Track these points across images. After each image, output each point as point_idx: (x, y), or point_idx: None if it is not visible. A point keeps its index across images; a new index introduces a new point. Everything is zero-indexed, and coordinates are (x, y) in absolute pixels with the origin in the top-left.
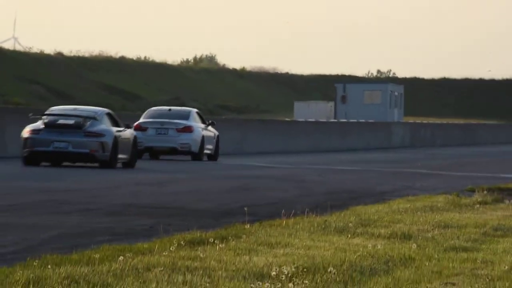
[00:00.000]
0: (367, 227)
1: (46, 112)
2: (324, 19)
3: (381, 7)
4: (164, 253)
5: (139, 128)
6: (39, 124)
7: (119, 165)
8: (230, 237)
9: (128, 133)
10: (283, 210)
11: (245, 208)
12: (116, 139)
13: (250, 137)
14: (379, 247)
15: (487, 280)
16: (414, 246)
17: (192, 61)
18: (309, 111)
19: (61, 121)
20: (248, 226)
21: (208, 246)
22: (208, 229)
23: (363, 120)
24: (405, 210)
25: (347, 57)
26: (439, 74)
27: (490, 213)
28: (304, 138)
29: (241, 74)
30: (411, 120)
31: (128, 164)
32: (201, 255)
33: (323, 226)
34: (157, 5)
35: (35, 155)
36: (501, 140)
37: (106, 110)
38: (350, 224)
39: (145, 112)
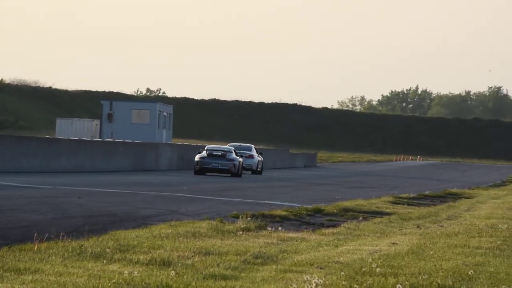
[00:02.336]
0: (126, 253)
1: (206, 148)
2: (97, 32)
3: (156, 22)
4: None
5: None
6: (204, 154)
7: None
8: None
9: (241, 159)
10: (35, 234)
11: None
12: (239, 162)
13: (5, 154)
14: (136, 274)
15: None
16: (173, 273)
17: None
18: (73, 128)
19: (214, 153)
20: None
21: None
22: None
23: (130, 140)
24: (166, 236)
25: (115, 73)
26: (209, 95)
27: (253, 240)
28: (65, 157)
29: None
30: (179, 141)
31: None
32: None
33: (78, 252)
34: None
35: (202, 169)
36: (268, 165)
37: (232, 148)
38: (107, 250)
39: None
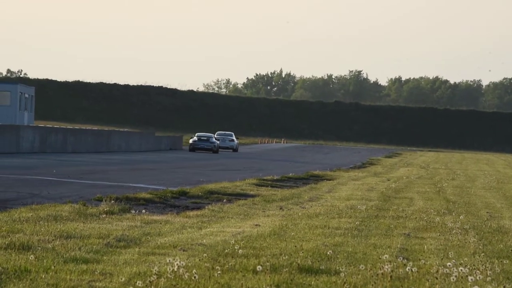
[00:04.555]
0: None
1: (197, 134)
2: None
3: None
4: None
5: (217, 140)
6: (195, 138)
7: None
8: None
9: (218, 142)
10: None
11: None
12: (217, 144)
13: None
14: None
15: None
16: (32, 257)
17: None
18: None
19: (202, 138)
20: None
21: None
22: None
23: None
24: (27, 219)
25: None
26: (73, 77)
27: (116, 223)
28: None
29: None
30: (42, 124)
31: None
32: None
33: None
34: None
35: (194, 148)
36: (133, 148)
37: (213, 134)
38: None
39: (216, 133)
